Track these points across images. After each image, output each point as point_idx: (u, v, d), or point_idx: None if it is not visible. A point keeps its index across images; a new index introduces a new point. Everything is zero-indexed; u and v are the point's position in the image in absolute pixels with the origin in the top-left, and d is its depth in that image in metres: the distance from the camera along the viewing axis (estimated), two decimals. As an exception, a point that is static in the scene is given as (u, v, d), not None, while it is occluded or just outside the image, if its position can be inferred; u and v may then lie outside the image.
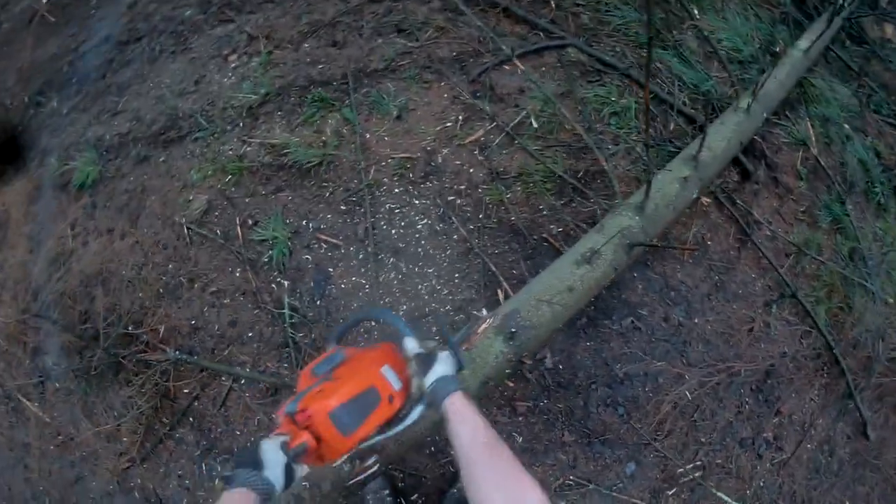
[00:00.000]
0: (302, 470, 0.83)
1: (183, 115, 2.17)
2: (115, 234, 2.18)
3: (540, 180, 1.86)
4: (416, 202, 1.86)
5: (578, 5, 2.10)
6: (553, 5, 2.08)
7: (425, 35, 2.01)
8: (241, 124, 2.05)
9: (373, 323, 1.82)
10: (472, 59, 1.97)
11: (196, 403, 1.93)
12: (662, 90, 2.06)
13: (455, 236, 1.84)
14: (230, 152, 2.04)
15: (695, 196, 1.82)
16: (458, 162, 1.88)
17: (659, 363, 1.85)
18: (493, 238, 1.83)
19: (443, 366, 0.93)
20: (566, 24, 2.09)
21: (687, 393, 1.86)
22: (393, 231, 1.86)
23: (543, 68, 1.98)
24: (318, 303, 1.88)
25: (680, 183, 1.72)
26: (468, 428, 0.82)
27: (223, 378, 1.92)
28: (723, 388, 1.90)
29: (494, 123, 1.90)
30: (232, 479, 0.74)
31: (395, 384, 0.91)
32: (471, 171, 1.88)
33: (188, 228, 2.02)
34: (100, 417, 1.95)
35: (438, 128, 1.90)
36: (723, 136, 1.88)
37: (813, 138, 2.26)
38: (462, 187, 1.87)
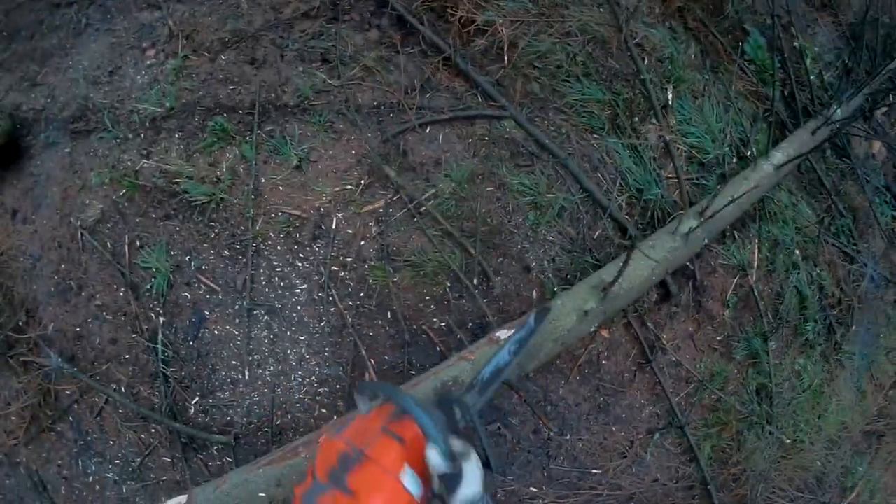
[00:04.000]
0: None
1: (93, 107, 2.02)
2: (19, 217, 2.14)
3: (431, 271, 1.70)
4: (299, 265, 1.74)
5: (535, 67, 1.78)
6: (507, 60, 1.75)
7: (350, 72, 1.76)
8: (142, 135, 1.91)
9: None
10: (391, 115, 1.72)
11: (75, 406, 1.98)
12: (600, 188, 1.79)
13: (332, 309, 1.73)
14: (129, 163, 1.91)
15: (592, 331, 1.62)
16: (350, 231, 1.73)
17: (512, 478, 1.77)
18: (370, 319, 1.72)
19: (470, 487, 0.82)
20: (513, 88, 1.78)
21: (540, 508, 1.80)
22: (271, 289, 1.76)
23: (470, 139, 1.73)
24: (191, 343, 1.84)
25: (578, 316, 1.51)
26: None
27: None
28: (581, 511, 1.83)
29: (398, 195, 1.71)
30: None
31: (415, 490, 0.79)
32: (362, 243, 1.72)
33: (82, 234, 1.96)
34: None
35: (337, 188, 1.72)
36: (647, 266, 1.61)
37: (755, 264, 2.03)
38: (349, 259, 1.72)
